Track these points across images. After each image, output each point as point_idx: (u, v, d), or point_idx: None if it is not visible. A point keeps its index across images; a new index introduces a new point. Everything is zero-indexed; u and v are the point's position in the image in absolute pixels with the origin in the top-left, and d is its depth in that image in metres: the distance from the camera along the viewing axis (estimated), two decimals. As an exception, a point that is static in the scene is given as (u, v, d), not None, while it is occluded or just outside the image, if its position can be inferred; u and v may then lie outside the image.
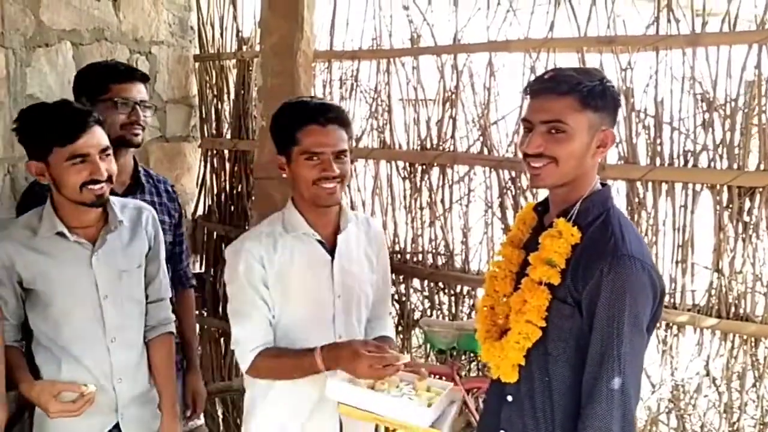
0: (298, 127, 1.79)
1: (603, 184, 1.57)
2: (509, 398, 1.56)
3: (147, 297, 1.98)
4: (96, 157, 1.74)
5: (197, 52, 3.61)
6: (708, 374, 2.47)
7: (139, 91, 2.19)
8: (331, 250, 1.88)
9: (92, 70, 2.26)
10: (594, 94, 1.46)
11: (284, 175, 1.86)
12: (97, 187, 1.75)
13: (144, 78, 2.24)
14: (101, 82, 2.17)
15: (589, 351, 1.43)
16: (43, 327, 1.83)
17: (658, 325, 2.48)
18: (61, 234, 1.79)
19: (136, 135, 2.17)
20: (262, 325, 1.83)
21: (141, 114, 2.17)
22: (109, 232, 1.85)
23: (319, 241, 1.87)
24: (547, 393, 1.50)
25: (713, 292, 2.42)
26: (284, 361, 1.80)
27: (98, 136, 1.76)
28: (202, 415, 3.44)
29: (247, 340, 1.82)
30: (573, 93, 1.45)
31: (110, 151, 1.79)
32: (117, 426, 1.90)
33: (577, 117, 1.45)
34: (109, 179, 1.78)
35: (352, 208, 3.06)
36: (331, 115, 1.80)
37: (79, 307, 1.83)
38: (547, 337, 1.48)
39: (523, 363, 1.52)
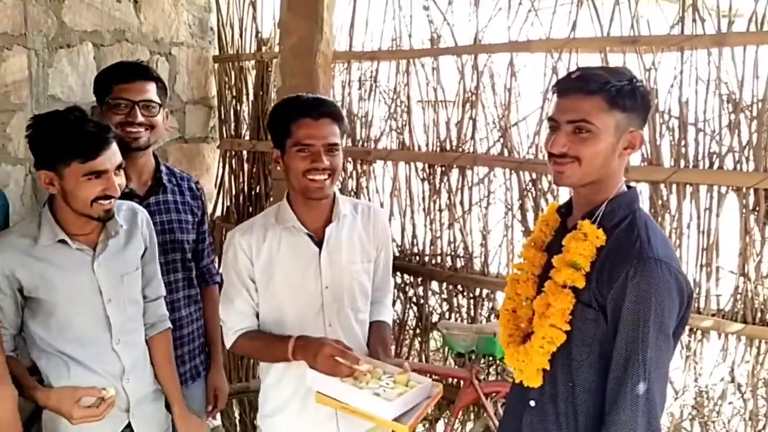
0: (292, 120, 1.85)
1: (629, 187, 1.54)
2: (532, 403, 1.54)
3: (146, 296, 2.01)
4: (112, 173, 1.76)
5: (217, 53, 3.62)
6: (733, 380, 2.42)
7: (140, 91, 2.13)
8: (320, 243, 1.93)
9: (104, 72, 2.25)
10: (622, 94, 1.43)
11: (278, 168, 1.93)
12: (107, 202, 1.77)
13: (149, 76, 2.17)
14: (105, 84, 2.16)
15: (614, 356, 1.40)
16: (45, 334, 1.82)
17: (682, 330, 2.46)
18: (62, 241, 1.80)
19: (137, 138, 2.12)
20: (244, 310, 1.93)
21: (140, 114, 2.11)
22: (109, 237, 1.87)
23: (309, 234, 1.93)
24: (571, 398, 1.48)
25: (739, 296, 2.37)
26: (260, 346, 1.93)
27: (116, 153, 1.77)
28: (219, 416, 3.45)
29: (230, 322, 1.94)
30: (601, 92, 1.43)
31: (123, 165, 1.82)
32: (129, 426, 1.91)
33: (603, 117, 1.43)
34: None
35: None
36: (323, 110, 1.85)
37: (84, 313, 1.83)
38: (571, 342, 1.46)
39: (548, 367, 1.50)
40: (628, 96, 1.44)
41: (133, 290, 1.94)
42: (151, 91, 2.17)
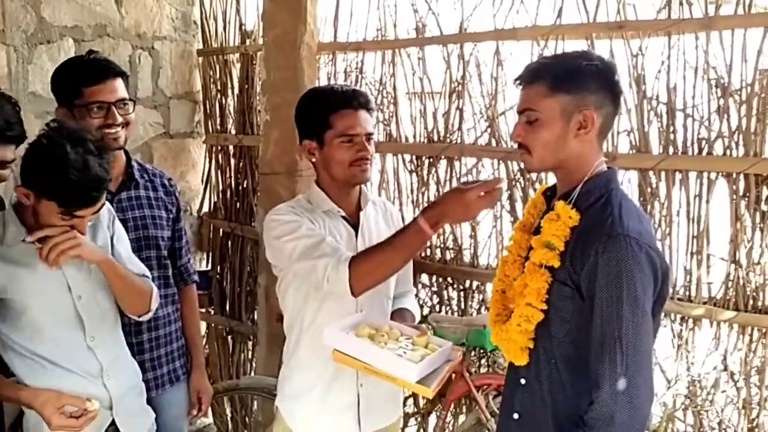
0: (332, 111, 1.89)
1: (609, 168, 1.55)
2: (522, 381, 1.56)
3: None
4: (87, 219, 1.75)
5: (200, 46, 3.59)
6: (726, 369, 2.40)
7: (113, 90, 2.05)
8: (354, 226, 1.98)
9: (63, 71, 2.12)
10: (562, 77, 1.47)
11: (313, 160, 1.95)
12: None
13: (116, 72, 2.09)
14: (74, 86, 2.04)
15: (591, 334, 1.41)
16: (18, 336, 1.78)
17: (672, 318, 2.44)
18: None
19: (116, 139, 2.06)
20: (334, 241, 1.85)
21: (118, 114, 2.05)
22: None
23: (343, 218, 1.97)
24: (556, 374, 1.49)
25: (730, 284, 2.35)
26: (383, 247, 1.74)
27: (101, 201, 1.73)
28: (210, 414, 3.42)
29: (331, 257, 1.76)
30: (540, 79, 1.48)
31: (99, 213, 1.78)
32: (113, 423, 1.88)
33: (546, 102, 1.47)
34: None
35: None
36: (362, 100, 1.92)
37: (55, 312, 1.79)
38: (549, 320, 1.48)
39: (531, 346, 1.52)
40: (572, 78, 1.46)
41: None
42: (121, 87, 2.09)
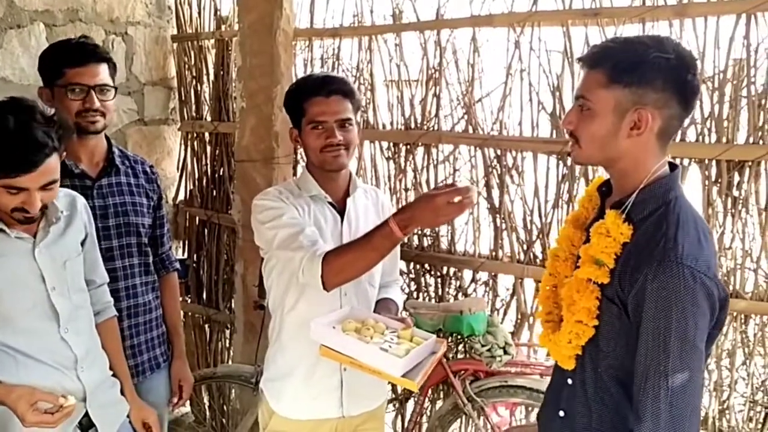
0: (304, 99, 1.94)
1: (673, 167, 1.41)
2: (569, 381, 1.51)
3: (90, 283, 1.95)
4: (35, 191, 1.65)
5: (175, 32, 3.53)
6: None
7: (95, 75, 2.05)
8: (341, 213, 2.00)
9: (50, 51, 2.14)
10: (622, 68, 1.32)
11: (299, 147, 2.03)
12: (28, 214, 1.69)
13: (101, 57, 2.09)
14: (56, 66, 2.05)
15: (636, 364, 1.31)
16: None
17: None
18: (1, 231, 1.73)
19: (93, 122, 2.05)
20: (316, 235, 1.87)
21: (96, 99, 2.04)
22: (50, 224, 1.80)
23: (330, 204, 1.99)
24: (601, 383, 1.42)
25: (702, 268, 2.38)
26: (355, 247, 1.76)
27: (47, 172, 1.65)
28: (188, 403, 3.41)
29: (307, 249, 1.78)
30: (600, 66, 1.35)
31: (54, 185, 1.70)
32: (86, 415, 1.85)
33: (601, 93, 1.34)
34: (43, 207, 1.73)
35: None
36: (333, 87, 1.92)
37: (30, 303, 1.76)
38: (599, 334, 1.39)
39: (579, 353, 1.45)
40: (633, 70, 1.31)
41: (76, 277, 1.88)
42: (104, 73, 2.09)
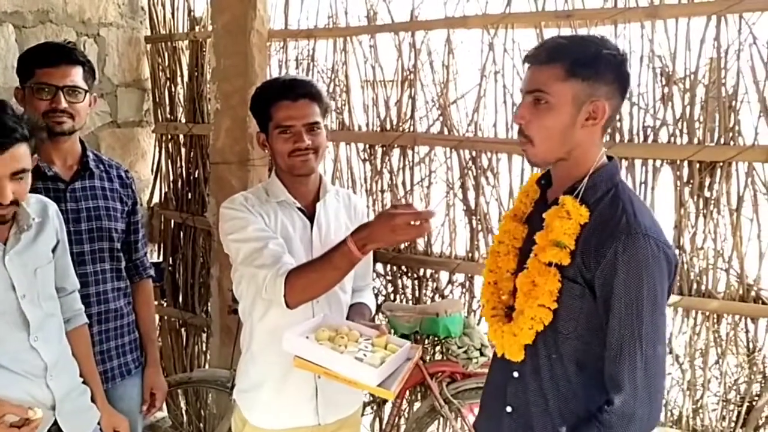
0: (271, 103, 1.90)
1: (609, 158, 1.51)
2: (515, 374, 1.54)
3: (61, 290, 1.94)
4: (4, 179, 1.64)
5: (148, 33, 3.49)
6: (671, 352, 2.45)
7: (64, 76, 2.04)
8: (310, 218, 1.97)
9: (27, 53, 2.15)
10: (581, 62, 1.39)
11: (266, 151, 1.97)
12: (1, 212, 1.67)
13: (75, 60, 2.08)
14: (28, 67, 2.06)
15: (608, 335, 1.38)
16: None
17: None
18: None
19: (60, 123, 2.04)
20: (279, 249, 1.83)
21: (64, 100, 2.03)
22: (22, 231, 1.78)
23: (300, 209, 1.96)
24: (559, 369, 1.46)
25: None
26: (316, 267, 1.76)
27: (15, 158, 1.64)
28: (165, 408, 3.37)
29: (270, 268, 1.78)
30: (557, 61, 1.40)
31: (24, 175, 1.68)
32: (55, 423, 1.83)
33: (558, 86, 1.40)
34: (14, 202, 1.69)
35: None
36: (300, 90, 1.89)
37: None
38: (557, 317, 1.43)
39: (530, 342, 1.48)
40: (590, 65, 1.39)
41: (47, 284, 1.85)
42: (76, 75, 2.08)
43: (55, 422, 1.83)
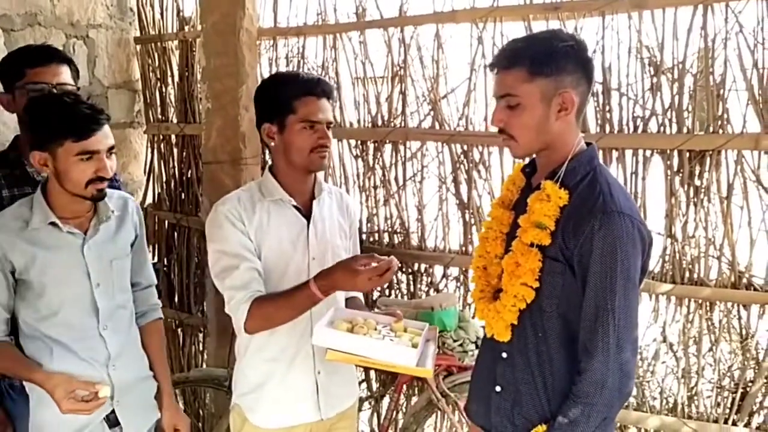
0: (296, 96, 1.85)
1: (588, 144, 1.57)
2: (504, 355, 1.59)
3: (137, 284, 2.01)
4: (104, 154, 1.75)
5: (138, 34, 3.49)
6: (665, 340, 2.47)
7: (56, 74, 2.04)
8: (307, 216, 1.95)
9: (10, 56, 2.14)
10: (540, 61, 1.45)
11: (271, 144, 1.91)
12: (100, 184, 1.77)
13: (62, 59, 2.10)
14: (17, 68, 2.05)
15: (584, 307, 1.45)
16: (33, 317, 1.80)
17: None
18: (53, 224, 1.79)
19: None
20: (251, 273, 1.83)
21: None
22: (101, 222, 1.86)
23: (296, 207, 1.94)
24: (543, 347, 1.52)
25: (667, 257, 2.42)
26: (279, 302, 1.79)
27: (108, 136, 1.77)
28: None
29: (238, 291, 1.80)
30: (518, 65, 1.47)
31: (113, 154, 1.80)
32: (113, 413, 1.87)
33: (526, 87, 1.47)
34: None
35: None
36: (326, 88, 1.89)
37: (72, 296, 1.81)
38: (541, 295, 1.50)
39: (516, 323, 1.54)
40: (549, 61, 1.46)
41: (122, 277, 1.92)
42: (66, 74, 2.09)
43: (113, 412, 1.87)
